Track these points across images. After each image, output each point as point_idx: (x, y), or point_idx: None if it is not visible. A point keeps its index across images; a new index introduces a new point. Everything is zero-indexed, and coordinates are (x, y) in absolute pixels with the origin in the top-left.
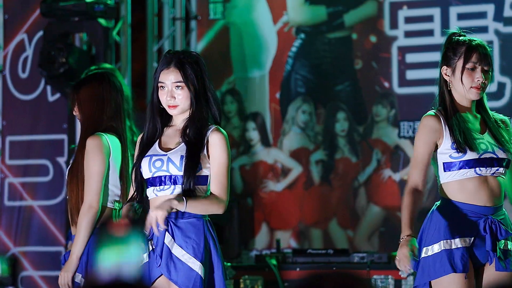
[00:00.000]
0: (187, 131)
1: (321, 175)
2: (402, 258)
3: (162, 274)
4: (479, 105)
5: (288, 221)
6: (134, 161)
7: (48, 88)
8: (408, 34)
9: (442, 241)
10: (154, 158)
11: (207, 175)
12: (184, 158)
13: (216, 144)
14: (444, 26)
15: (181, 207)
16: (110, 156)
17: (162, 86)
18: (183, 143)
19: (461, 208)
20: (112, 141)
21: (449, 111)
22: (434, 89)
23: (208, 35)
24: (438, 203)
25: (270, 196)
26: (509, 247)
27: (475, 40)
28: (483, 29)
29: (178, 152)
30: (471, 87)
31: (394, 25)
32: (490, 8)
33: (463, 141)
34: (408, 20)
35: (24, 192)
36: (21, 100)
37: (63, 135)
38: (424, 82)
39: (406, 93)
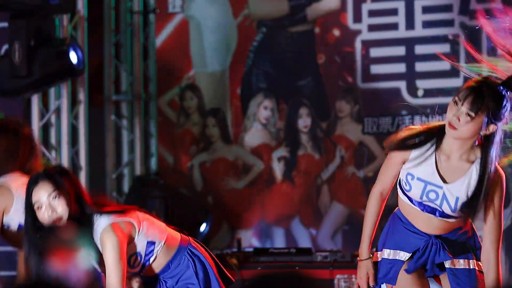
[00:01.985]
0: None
1: (283, 172)
2: (360, 283)
3: None
4: (483, 152)
5: (249, 219)
6: None
7: None
8: (372, 28)
9: (385, 250)
10: None
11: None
12: None
13: (102, 245)
14: (408, 20)
15: None
16: None
17: (39, 206)
18: None
19: (407, 224)
20: None
21: (435, 140)
22: (399, 84)
23: (167, 29)
24: (397, 209)
25: (231, 194)
26: (466, 265)
27: (482, 84)
28: (449, 23)
29: None
30: (448, 122)
31: (357, 18)
32: (455, 1)
33: (413, 178)
34: (372, 13)
35: None
36: None
37: None
38: (388, 77)
39: (370, 88)
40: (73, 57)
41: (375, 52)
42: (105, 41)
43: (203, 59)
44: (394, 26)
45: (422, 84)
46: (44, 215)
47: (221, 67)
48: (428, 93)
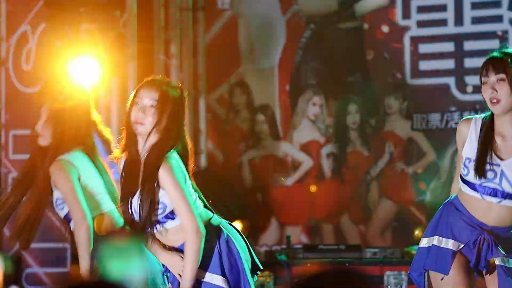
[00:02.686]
0: (146, 161)
1: (332, 169)
2: None
3: None
4: None
5: (298, 216)
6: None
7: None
8: (421, 24)
9: (435, 237)
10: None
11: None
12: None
13: (162, 177)
14: (457, 16)
15: (189, 285)
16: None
17: (136, 102)
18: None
19: (464, 214)
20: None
21: (486, 123)
22: (448, 80)
23: (216, 25)
24: (452, 197)
25: (280, 191)
26: None
27: (494, 53)
28: (498, 19)
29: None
30: (489, 100)
31: (406, 14)
32: None
33: (471, 160)
34: (421, 9)
35: None
36: (24, 93)
37: None
38: (437, 73)
39: (419, 85)
40: None
41: (424, 48)
42: (155, 38)
43: (252, 55)
44: (443, 22)
45: (471, 80)
46: (135, 113)
47: (269, 63)
48: (477, 89)
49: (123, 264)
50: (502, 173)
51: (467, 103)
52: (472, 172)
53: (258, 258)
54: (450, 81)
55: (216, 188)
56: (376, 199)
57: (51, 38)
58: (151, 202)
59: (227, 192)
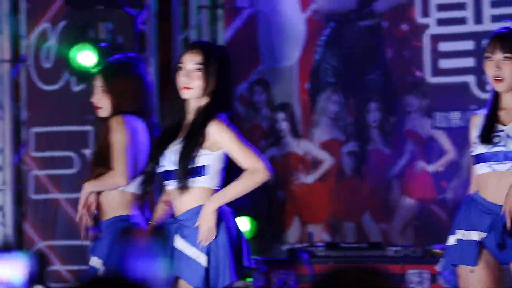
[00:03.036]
0: (196, 122)
1: (353, 167)
2: None
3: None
4: None
5: (320, 214)
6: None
7: (73, 78)
8: (441, 22)
9: (459, 231)
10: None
11: (204, 165)
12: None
13: (217, 133)
14: (477, 14)
15: (214, 207)
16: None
17: (180, 67)
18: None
19: (478, 202)
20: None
21: (489, 100)
22: (468, 78)
23: (235, 23)
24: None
25: (301, 189)
26: None
27: (501, 30)
28: None
29: (178, 146)
30: (492, 78)
31: (426, 12)
32: None
33: (477, 135)
34: (440, 7)
35: (50, 184)
36: (45, 91)
37: (88, 126)
38: (457, 71)
39: (439, 83)
40: None
41: (443, 46)
42: (174, 36)
43: (271, 53)
44: (462, 20)
45: None
46: (179, 78)
47: (289, 61)
48: None
49: (147, 263)
50: (507, 136)
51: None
52: (479, 143)
53: (280, 256)
54: (470, 79)
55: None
56: (397, 198)
57: (71, 36)
58: (188, 156)
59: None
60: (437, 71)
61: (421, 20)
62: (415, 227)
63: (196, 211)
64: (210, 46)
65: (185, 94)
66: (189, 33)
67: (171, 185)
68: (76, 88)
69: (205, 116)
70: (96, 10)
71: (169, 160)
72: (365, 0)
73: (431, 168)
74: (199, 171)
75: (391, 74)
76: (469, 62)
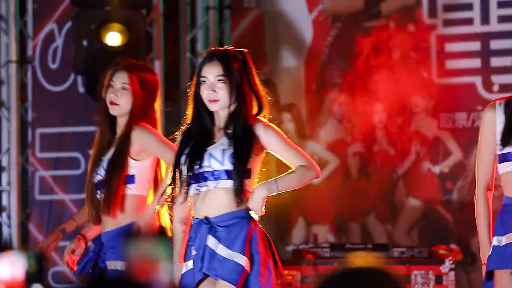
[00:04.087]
0: (231, 127)
1: (359, 168)
2: None
3: (204, 278)
4: None
5: (325, 215)
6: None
7: (79, 79)
8: (447, 23)
9: (494, 238)
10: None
11: (250, 169)
12: (227, 152)
13: (266, 132)
14: (484, 14)
15: (266, 194)
16: None
17: (203, 81)
18: (224, 137)
19: (508, 204)
20: None
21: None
22: (475, 79)
23: (242, 24)
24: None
25: (307, 189)
26: None
27: None
28: None
29: (220, 147)
30: None
31: (432, 13)
32: None
33: (504, 132)
34: (447, 8)
35: (55, 185)
36: (51, 92)
37: (94, 127)
38: (463, 72)
39: (445, 83)
40: None
41: (450, 47)
42: (181, 36)
43: (278, 54)
44: (469, 21)
45: (498, 80)
46: (204, 92)
47: (296, 62)
48: (504, 88)
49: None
50: None
51: None
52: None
53: (285, 257)
54: (477, 80)
55: None
56: (403, 198)
57: (78, 37)
58: (244, 160)
59: None
60: (443, 72)
61: (428, 20)
62: (421, 228)
63: (235, 215)
64: (228, 54)
65: (213, 107)
66: (196, 33)
67: (208, 186)
68: (82, 89)
69: (244, 120)
70: (102, 11)
71: (215, 161)
72: (372, 1)
73: (436, 169)
74: (248, 174)
75: (397, 74)
76: (476, 62)
